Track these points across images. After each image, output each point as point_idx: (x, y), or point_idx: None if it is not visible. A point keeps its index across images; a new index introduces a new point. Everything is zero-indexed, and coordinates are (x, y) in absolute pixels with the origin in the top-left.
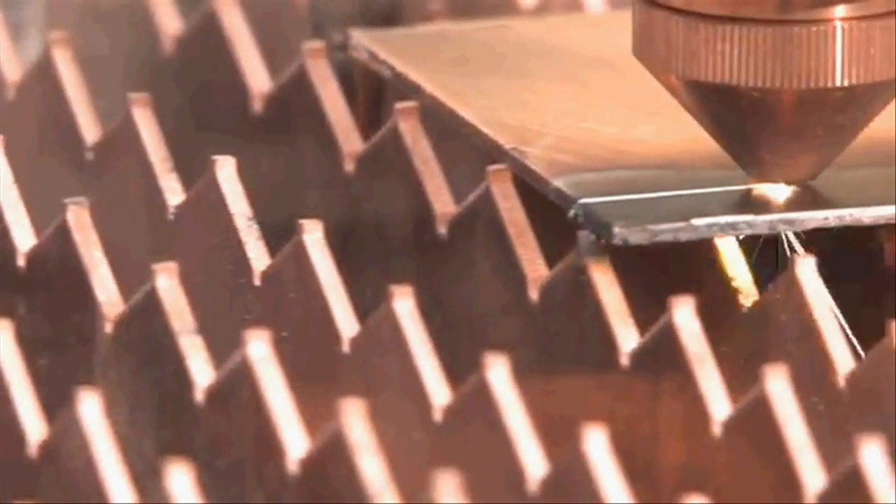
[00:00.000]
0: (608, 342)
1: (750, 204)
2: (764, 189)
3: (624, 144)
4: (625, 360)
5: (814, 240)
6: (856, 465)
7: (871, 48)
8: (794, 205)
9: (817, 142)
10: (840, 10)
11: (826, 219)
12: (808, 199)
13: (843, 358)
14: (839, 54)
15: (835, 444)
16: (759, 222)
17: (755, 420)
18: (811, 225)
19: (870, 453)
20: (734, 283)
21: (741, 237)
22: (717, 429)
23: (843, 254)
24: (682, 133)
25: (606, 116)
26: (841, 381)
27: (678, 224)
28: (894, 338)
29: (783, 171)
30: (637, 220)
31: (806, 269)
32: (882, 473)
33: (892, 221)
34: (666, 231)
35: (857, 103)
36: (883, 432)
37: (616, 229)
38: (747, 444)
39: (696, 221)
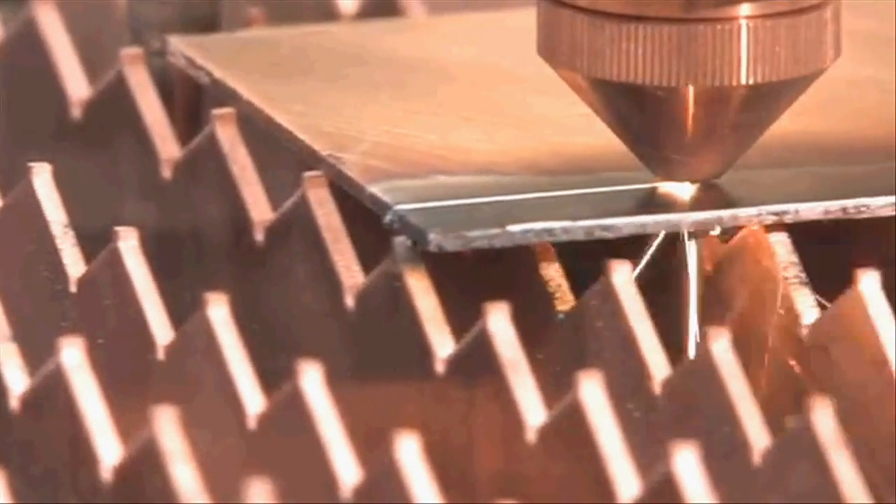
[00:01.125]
0: (423, 349)
1: (565, 209)
2: (668, 188)
3: (441, 150)
4: (440, 367)
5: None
6: (669, 472)
7: (777, 46)
8: (608, 211)
9: (722, 140)
10: (745, 9)
11: (643, 226)
12: (617, 204)
13: (658, 365)
14: (744, 53)
15: (651, 450)
16: (576, 228)
17: (569, 426)
18: (626, 231)
19: (683, 460)
20: (551, 289)
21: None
22: (531, 435)
23: (664, 260)
24: (500, 139)
25: (423, 123)
26: (657, 388)
27: (493, 230)
28: (711, 346)
29: (689, 169)
30: (452, 227)
31: (622, 276)
32: (695, 480)
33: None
34: (481, 237)
35: (762, 102)
36: (697, 439)
37: (431, 236)
38: (562, 450)
39: (512, 228)
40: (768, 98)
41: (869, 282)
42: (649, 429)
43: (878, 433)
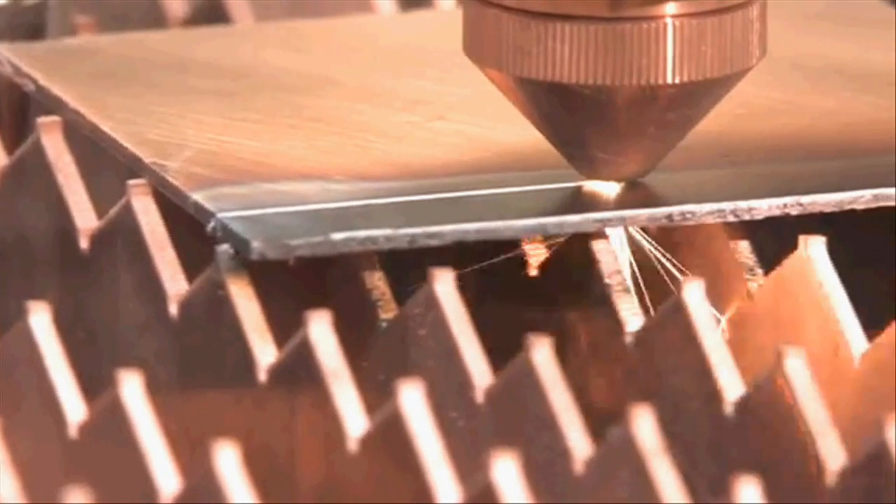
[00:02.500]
0: (246, 357)
1: (390, 216)
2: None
3: (265, 158)
4: (262, 376)
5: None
6: (488, 480)
7: (703, 45)
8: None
9: (649, 139)
10: (671, 8)
11: (466, 231)
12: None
13: (480, 373)
14: (671, 51)
15: (473, 458)
16: (399, 236)
17: (390, 435)
18: (450, 238)
19: (503, 468)
20: (374, 298)
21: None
22: (352, 444)
23: (489, 267)
24: (324, 146)
25: (248, 130)
26: (479, 397)
27: (316, 239)
28: (532, 354)
29: (615, 168)
30: (275, 235)
31: (444, 284)
32: (515, 488)
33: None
34: (303, 246)
35: (688, 100)
36: (518, 447)
37: (254, 244)
38: (383, 458)
39: (335, 236)
40: (694, 97)
41: (692, 290)
42: (472, 437)
43: (701, 440)
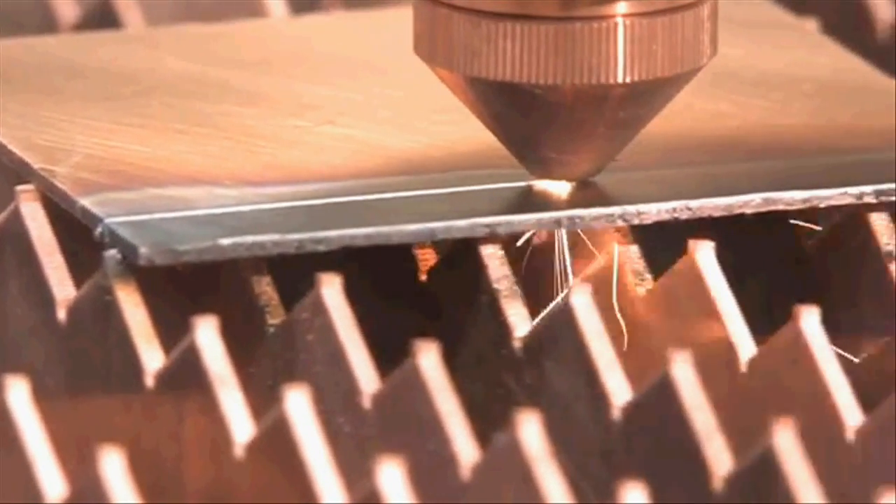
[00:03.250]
0: (134, 363)
1: (279, 221)
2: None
3: (153, 163)
4: (150, 381)
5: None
6: (374, 486)
7: (654, 45)
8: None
9: (599, 138)
10: (622, 7)
11: (354, 237)
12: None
13: (367, 379)
14: (621, 51)
15: (360, 464)
16: (287, 241)
17: (276, 441)
18: (338, 243)
19: (388, 474)
20: (262, 303)
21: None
22: (239, 450)
23: (377, 272)
24: (213, 151)
25: (136, 135)
26: (366, 402)
27: (204, 244)
28: (419, 360)
29: (565, 168)
30: (163, 241)
31: (331, 289)
32: (400, 494)
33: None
34: (191, 252)
35: (639, 100)
36: (405, 453)
37: (141, 250)
38: (269, 464)
39: (223, 241)
40: (645, 96)
41: (580, 294)
42: (359, 443)
43: (589, 445)
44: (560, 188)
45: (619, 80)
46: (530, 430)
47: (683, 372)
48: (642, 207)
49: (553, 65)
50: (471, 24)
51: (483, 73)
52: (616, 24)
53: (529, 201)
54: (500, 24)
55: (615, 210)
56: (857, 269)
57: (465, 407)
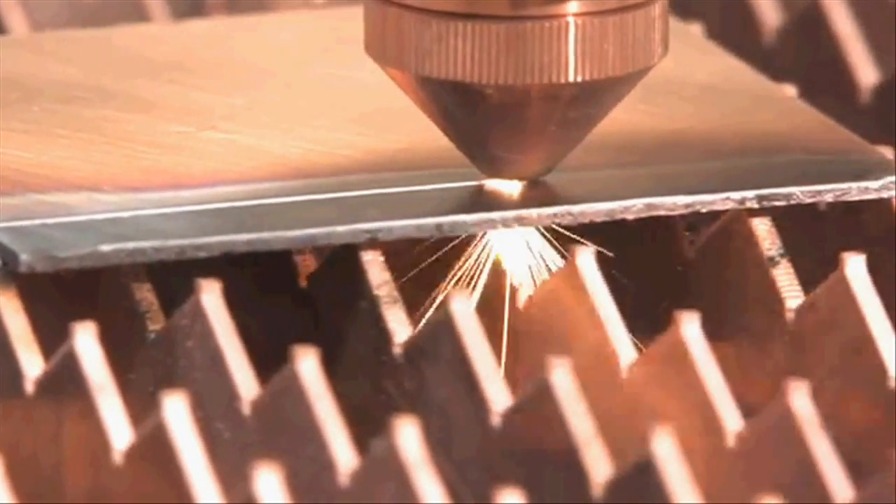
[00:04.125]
0: (14, 369)
1: (160, 226)
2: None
3: (34, 168)
4: (30, 387)
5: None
6: (251, 492)
7: (605, 44)
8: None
9: (550, 138)
10: (573, 6)
11: (235, 243)
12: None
13: (246, 384)
14: (572, 50)
15: (240, 470)
16: (168, 247)
17: (155, 447)
18: (220, 249)
19: (265, 480)
20: (143, 309)
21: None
22: (117, 457)
23: (259, 278)
24: (94, 157)
25: (17, 140)
26: (245, 408)
27: (84, 250)
28: (298, 366)
29: (516, 167)
30: (44, 247)
31: (211, 295)
32: (277, 500)
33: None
34: (72, 258)
35: (590, 99)
36: (284, 459)
37: (22, 257)
38: (149, 471)
39: (103, 247)
40: (596, 95)
41: (460, 301)
42: (238, 449)
43: (468, 451)
44: (511, 187)
45: (571, 79)
46: (408, 435)
47: (562, 378)
48: (523, 213)
49: (504, 64)
50: (422, 23)
51: (434, 73)
52: (567, 24)
53: (410, 206)
54: (450, 24)
55: (496, 216)
56: (738, 274)
57: (346, 413)
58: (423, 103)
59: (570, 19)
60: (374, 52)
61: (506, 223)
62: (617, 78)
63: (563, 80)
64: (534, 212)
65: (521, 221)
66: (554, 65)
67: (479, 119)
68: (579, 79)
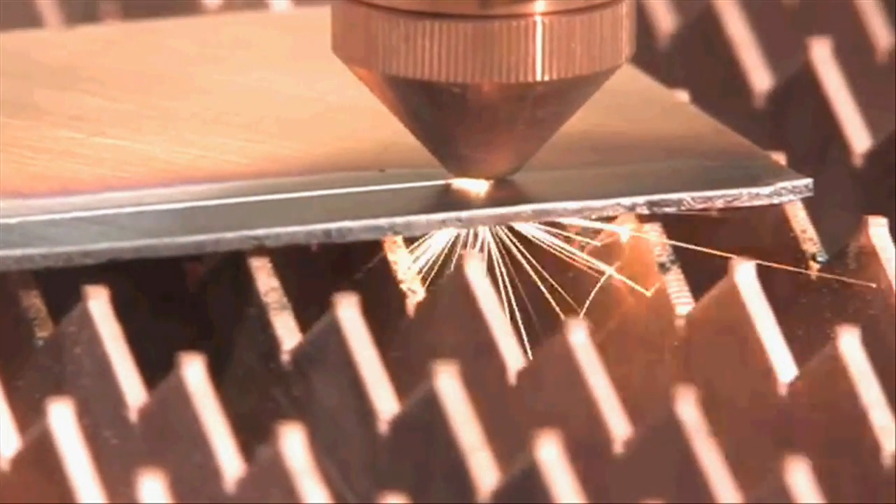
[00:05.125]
0: None
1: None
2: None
3: None
4: None
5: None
6: (135, 499)
7: (572, 42)
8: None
9: (518, 136)
10: (540, 5)
11: (122, 250)
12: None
13: (134, 391)
14: (539, 49)
15: (128, 478)
16: (55, 254)
17: (41, 454)
18: (107, 256)
19: (150, 488)
20: (31, 315)
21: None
22: (3, 464)
23: (148, 285)
24: (14, 166)
25: None
26: (133, 415)
27: None
28: (183, 371)
29: (483, 166)
30: None
31: (98, 301)
32: None
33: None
34: None
35: (557, 98)
36: (171, 466)
37: None
38: (35, 478)
39: None
40: (564, 94)
41: (346, 307)
42: (125, 456)
43: (356, 458)
44: (478, 186)
45: (538, 78)
46: (293, 442)
47: (448, 385)
48: (412, 219)
49: (472, 63)
50: (389, 22)
51: (401, 72)
52: (535, 23)
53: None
54: (418, 23)
55: (383, 222)
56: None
57: (235, 420)
58: (391, 103)
59: (538, 18)
60: (341, 52)
61: (395, 230)
62: (584, 77)
63: (530, 79)
64: (422, 218)
65: (395, 229)
66: (521, 64)
67: (447, 118)
68: (547, 78)
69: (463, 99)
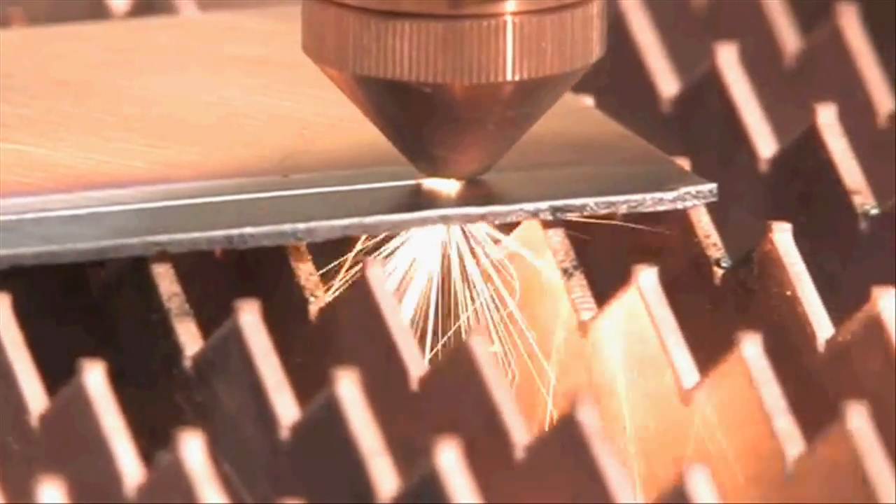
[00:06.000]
0: None
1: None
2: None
3: None
4: None
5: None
6: None
7: (543, 42)
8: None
9: (488, 136)
10: (511, 5)
11: (24, 256)
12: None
13: (34, 397)
14: (510, 49)
15: (27, 484)
16: None
17: None
18: (6, 263)
19: (49, 494)
20: None
21: None
22: None
23: (51, 290)
24: None
25: None
26: (34, 421)
27: None
28: (84, 377)
29: (454, 166)
30: None
31: (1, 308)
32: None
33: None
34: None
35: (528, 97)
36: (72, 472)
37: None
38: None
39: None
40: (534, 94)
41: (248, 313)
42: (27, 462)
43: (257, 464)
44: (449, 186)
45: (509, 77)
46: (193, 449)
47: (349, 391)
48: (313, 225)
49: (442, 63)
50: (360, 22)
51: (372, 72)
52: (505, 23)
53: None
54: (388, 23)
55: (287, 228)
56: (532, 284)
57: (137, 426)
58: (362, 103)
59: (508, 18)
60: (311, 52)
61: (297, 235)
62: (555, 76)
63: (500, 79)
64: (325, 224)
65: (297, 235)
66: (492, 63)
67: (417, 118)
68: (517, 77)
69: (433, 99)
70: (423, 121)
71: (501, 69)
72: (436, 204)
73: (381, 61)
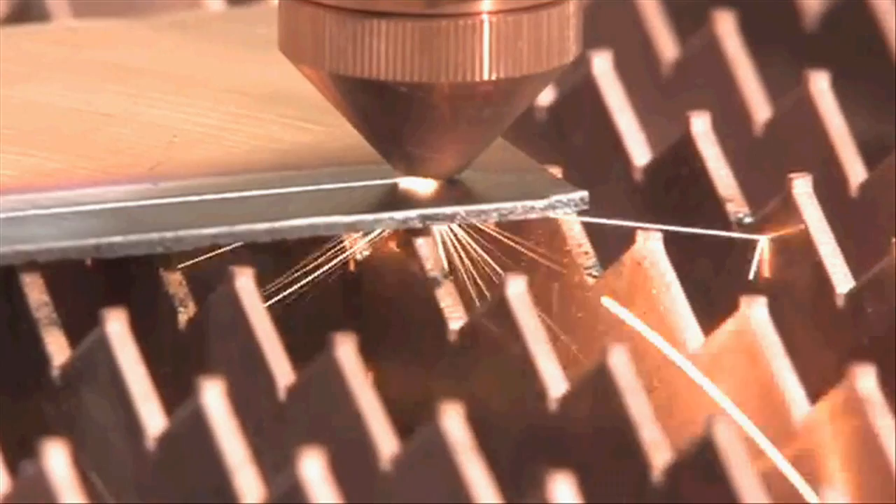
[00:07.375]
0: None
1: None
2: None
3: None
4: None
5: None
6: None
7: (519, 41)
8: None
9: (465, 135)
10: (487, 4)
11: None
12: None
13: None
14: (486, 48)
15: None
16: None
17: None
18: None
19: None
20: None
21: None
22: None
23: None
24: None
25: None
26: None
27: None
28: None
29: (431, 165)
30: None
31: None
32: None
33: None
34: None
35: (504, 97)
36: None
37: None
38: None
39: None
40: (511, 93)
41: (115, 322)
42: None
43: (124, 474)
44: (425, 185)
45: (485, 77)
46: (57, 458)
47: (215, 400)
48: (182, 233)
49: (419, 62)
50: (337, 21)
51: (349, 71)
52: (481, 22)
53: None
54: (365, 22)
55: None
56: (401, 293)
57: (6, 436)
58: (338, 102)
59: (485, 17)
60: (288, 51)
61: (164, 244)
62: (531, 76)
63: (477, 78)
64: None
65: (165, 244)
66: (468, 62)
67: (394, 117)
68: (493, 77)
69: (410, 98)
70: (399, 120)
71: (478, 68)
72: (305, 212)
73: (357, 60)
